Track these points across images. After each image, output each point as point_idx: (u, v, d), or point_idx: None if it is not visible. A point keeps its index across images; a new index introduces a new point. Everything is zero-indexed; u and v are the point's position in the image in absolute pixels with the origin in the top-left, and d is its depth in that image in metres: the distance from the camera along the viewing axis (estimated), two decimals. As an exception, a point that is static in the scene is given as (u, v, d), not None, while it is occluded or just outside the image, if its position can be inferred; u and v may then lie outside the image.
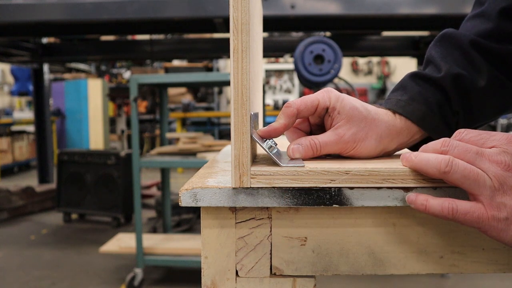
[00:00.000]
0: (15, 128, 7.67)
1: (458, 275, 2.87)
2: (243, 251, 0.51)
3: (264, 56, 3.88)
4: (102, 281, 2.85)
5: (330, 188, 0.48)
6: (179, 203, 0.49)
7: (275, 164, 0.51)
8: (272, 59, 8.72)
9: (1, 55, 4.26)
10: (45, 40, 4.83)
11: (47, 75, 5.40)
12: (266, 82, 8.49)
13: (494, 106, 0.64)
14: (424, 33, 3.86)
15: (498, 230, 0.45)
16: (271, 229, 0.51)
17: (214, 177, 0.54)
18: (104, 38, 4.57)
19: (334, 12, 2.76)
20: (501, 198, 0.44)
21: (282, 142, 0.66)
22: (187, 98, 7.80)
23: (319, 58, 2.59)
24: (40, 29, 3.51)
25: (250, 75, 0.47)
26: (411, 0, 2.74)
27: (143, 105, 8.33)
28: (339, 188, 0.48)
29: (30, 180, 6.20)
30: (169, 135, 3.19)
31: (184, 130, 7.57)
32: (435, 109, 0.61)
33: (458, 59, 0.63)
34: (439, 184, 0.48)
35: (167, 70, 6.87)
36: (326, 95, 0.57)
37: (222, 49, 4.06)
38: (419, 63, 4.33)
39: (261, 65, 0.86)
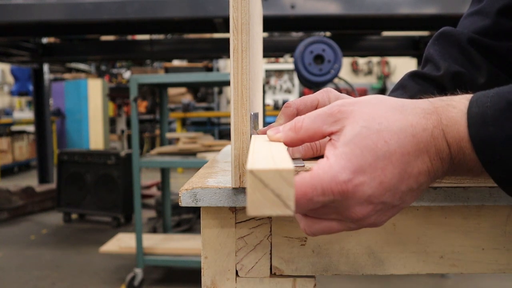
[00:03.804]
0: (15, 128, 7.67)
1: (458, 275, 2.87)
2: (243, 251, 0.51)
3: (264, 56, 3.88)
4: (102, 281, 2.85)
5: (330, 188, 0.48)
6: (179, 203, 0.49)
7: (275, 164, 0.51)
8: (272, 59, 8.72)
9: (1, 55, 4.26)
10: (45, 40, 4.82)
11: (47, 75, 5.40)
12: (266, 82, 8.48)
13: None
14: (424, 33, 3.85)
15: None
16: (271, 229, 0.51)
17: (214, 177, 0.54)
18: (104, 38, 4.57)
19: (334, 12, 2.76)
20: None
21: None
22: (187, 98, 7.80)
23: (319, 58, 2.59)
24: (40, 29, 3.51)
25: (250, 75, 0.47)
26: (411, 0, 2.74)
27: (143, 105, 8.33)
28: (339, 188, 0.48)
29: (30, 180, 6.20)
30: (169, 135, 3.18)
31: (184, 130, 7.57)
32: None
33: (456, 57, 0.63)
34: (439, 184, 0.48)
35: (167, 70, 6.86)
36: (325, 95, 0.57)
37: (222, 49, 4.05)
38: (419, 63, 4.32)
39: (261, 65, 0.86)
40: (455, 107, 0.40)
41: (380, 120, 0.40)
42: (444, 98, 0.42)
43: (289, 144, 0.45)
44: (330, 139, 0.42)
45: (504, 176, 0.39)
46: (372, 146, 0.39)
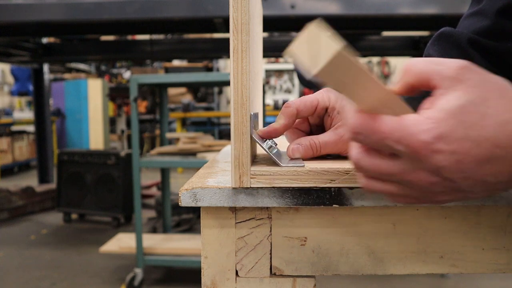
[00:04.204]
0: (15, 128, 7.66)
1: (458, 275, 2.87)
2: (243, 251, 0.51)
3: (264, 56, 3.88)
4: (102, 281, 2.85)
5: (330, 188, 0.48)
6: (179, 203, 0.49)
7: (275, 164, 0.51)
8: (272, 59, 8.72)
9: (1, 55, 4.26)
10: (45, 40, 4.82)
11: (47, 75, 5.40)
12: (266, 82, 8.49)
13: None
14: (424, 33, 3.85)
15: None
16: (271, 229, 0.51)
17: (214, 177, 0.54)
18: (104, 38, 4.57)
19: (334, 12, 2.76)
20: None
21: (282, 143, 0.66)
22: (187, 98, 7.80)
23: (319, 58, 2.58)
24: (40, 29, 3.51)
25: (250, 75, 0.47)
26: (411, 0, 2.74)
27: (143, 105, 8.34)
28: (339, 188, 0.48)
29: (30, 180, 6.20)
30: (169, 135, 3.18)
31: (184, 130, 7.57)
32: None
33: (456, 57, 0.63)
34: (439, 184, 0.48)
35: (167, 70, 6.86)
36: (325, 95, 0.57)
37: (222, 49, 4.06)
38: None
39: (261, 65, 0.86)
40: None
41: (490, 104, 0.38)
42: None
43: (401, 87, 0.42)
44: (432, 95, 0.40)
45: None
46: (468, 124, 0.38)
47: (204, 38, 4.66)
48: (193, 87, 8.01)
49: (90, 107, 7.82)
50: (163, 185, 3.33)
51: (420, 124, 0.38)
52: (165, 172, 3.30)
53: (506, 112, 0.38)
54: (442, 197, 0.41)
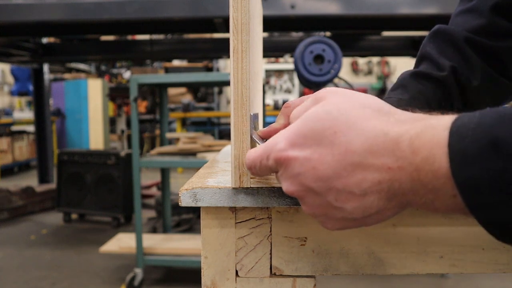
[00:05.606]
0: (15, 128, 7.67)
1: (458, 275, 2.87)
2: (243, 251, 0.51)
3: (264, 56, 3.88)
4: (102, 281, 2.85)
5: (330, 188, 0.48)
6: (179, 203, 0.49)
7: (275, 164, 0.51)
8: (272, 59, 8.72)
9: (1, 55, 4.26)
10: (45, 40, 4.82)
11: (47, 75, 5.40)
12: (266, 82, 8.48)
13: (487, 102, 0.64)
14: (424, 33, 3.85)
15: None
16: (271, 229, 0.51)
17: (214, 177, 0.54)
18: (104, 38, 4.57)
19: (334, 12, 2.76)
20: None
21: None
22: (187, 98, 7.80)
23: (319, 58, 2.59)
24: (40, 29, 3.51)
25: (250, 75, 0.47)
26: (411, 0, 2.74)
27: (143, 105, 8.33)
28: (339, 188, 0.48)
29: (30, 180, 6.20)
30: (169, 135, 3.18)
31: (184, 130, 7.57)
32: (435, 108, 0.61)
33: (452, 56, 0.63)
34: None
35: (167, 70, 6.86)
36: (324, 94, 0.57)
37: (222, 49, 4.06)
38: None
39: (261, 65, 0.86)
40: (434, 128, 0.35)
41: (344, 112, 0.38)
42: (424, 116, 0.37)
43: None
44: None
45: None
46: (320, 130, 0.38)
47: (204, 38, 4.66)
48: (193, 87, 8.01)
49: (90, 107, 7.81)
50: (163, 185, 3.33)
51: (280, 134, 0.40)
52: (165, 172, 3.29)
53: (358, 117, 0.37)
54: (312, 210, 0.41)
